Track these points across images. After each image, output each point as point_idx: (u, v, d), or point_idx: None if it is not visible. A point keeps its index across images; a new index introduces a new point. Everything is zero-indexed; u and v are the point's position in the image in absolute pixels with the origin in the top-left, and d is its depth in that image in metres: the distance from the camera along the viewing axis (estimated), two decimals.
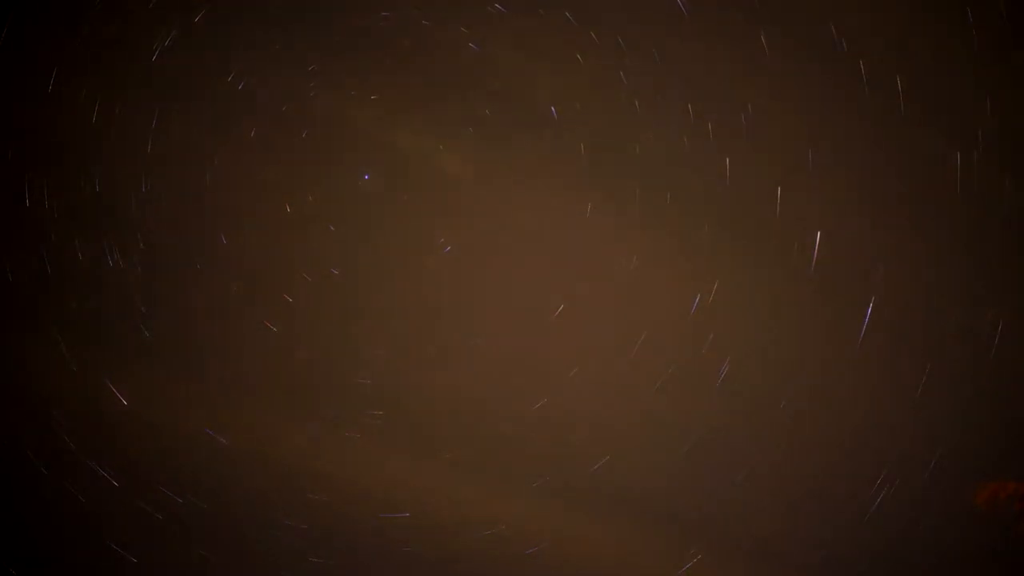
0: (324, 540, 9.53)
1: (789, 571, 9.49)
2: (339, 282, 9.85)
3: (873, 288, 9.50)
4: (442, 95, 9.77)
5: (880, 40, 9.30)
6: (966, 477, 8.89)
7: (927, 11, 9.26)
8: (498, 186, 9.81)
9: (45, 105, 9.41)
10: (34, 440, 9.33)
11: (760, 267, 9.64)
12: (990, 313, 9.34)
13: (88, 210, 9.53)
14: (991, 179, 9.36)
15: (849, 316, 9.55)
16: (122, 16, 9.45)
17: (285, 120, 9.75)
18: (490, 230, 9.87)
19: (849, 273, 9.62)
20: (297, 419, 9.71)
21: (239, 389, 9.63)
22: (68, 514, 9.29)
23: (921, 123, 9.39)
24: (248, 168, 9.76)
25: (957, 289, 9.48)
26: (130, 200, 9.55)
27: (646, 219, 9.70)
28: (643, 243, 9.70)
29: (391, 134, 9.85)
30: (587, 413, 9.70)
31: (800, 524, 9.50)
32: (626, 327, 9.71)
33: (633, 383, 9.64)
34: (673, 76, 9.40)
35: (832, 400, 9.62)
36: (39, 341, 9.39)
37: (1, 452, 9.25)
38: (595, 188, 9.71)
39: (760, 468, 9.60)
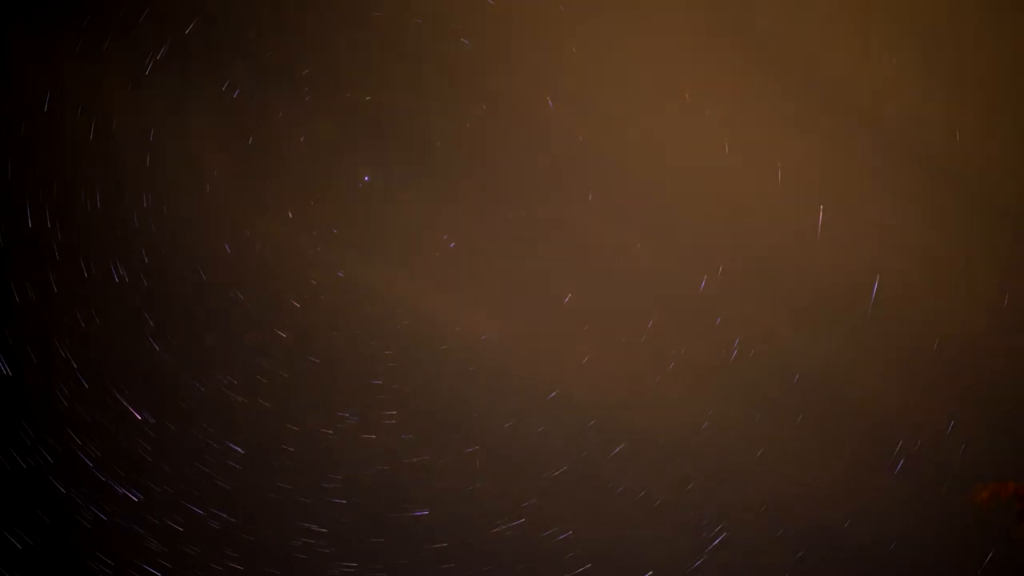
0: (344, 542, 9.56)
1: (800, 553, 9.56)
2: (346, 284, 9.88)
3: (878, 263, 9.55)
4: (437, 92, 9.77)
5: (875, 11, 9.33)
6: (966, 477, 8.96)
7: None
8: (498, 179, 9.84)
9: (42, 125, 9.40)
10: (50, 459, 9.33)
11: (764, 246, 9.66)
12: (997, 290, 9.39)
13: (91, 227, 9.52)
14: (992, 147, 9.40)
15: (856, 292, 9.59)
16: (113, 32, 9.43)
17: (282, 126, 9.76)
18: (492, 224, 9.89)
19: (854, 247, 9.65)
20: (311, 424, 9.72)
21: (252, 396, 9.64)
22: (90, 531, 9.29)
23: (919, 94, 9.41)
24: (248, 176, 9.77)
25: (963, 265, 9.50)
26: (132, 214, 9.56)
27: (648, 204, 9.73)
28: (646, 228, 9.73)
29: (388, 134, 9.86)
30: (600, 400, 9.73)
31: (806, 507, 9.56)
32: (634, 313, 9.75)
33: (644, 368, 9.68)
34: (669, 62, 9.41)
35: (840, 382, 9.65)
36: (48, 359, 9.37)
37: (17, 472, 9.25)
38: (595, 176, 9.75)
39: (776, 446, 9.66)
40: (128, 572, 9.23)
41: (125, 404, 9.43)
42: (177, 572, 9.27)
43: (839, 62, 9.44)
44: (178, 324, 9.64)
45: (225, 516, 9.42)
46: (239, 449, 9.52)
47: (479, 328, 9.85)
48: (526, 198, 9.83)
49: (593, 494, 9.64)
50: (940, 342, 9.45)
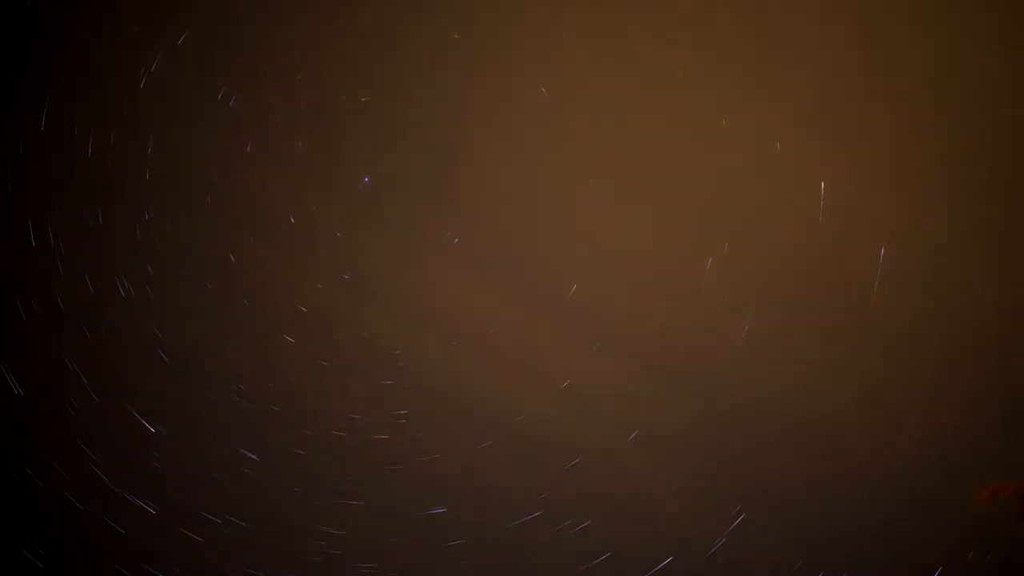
0: (364, 543, 9.52)
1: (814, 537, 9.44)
2: (351, 286, 9.86)
3: (882, 238, 9.43)
4: (432, 89, 9.75)
5: None
6: (966, 476, 8.81)
7: None
8: (498, 172, 9.80)
9: (40, 143, 9.46)
10: (65, 476, 9.37)
11: (768, 224, 9.56)
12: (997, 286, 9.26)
13: (94, 242, 9.57)
14: (995, 119, 9.28)
15: (861, 268, 9.48)
16: (106, 46, 9.48)
17: (279, 131, 9.77)
18: (495, 217, 9.85)
19: (857, 223, 9.53)
20: (323, 427, 9.71)
21: (264, 403, 9.64)
22: (108, 546, 9.31)
23: (919, 67, 9.30)
24: (248, 183, 9.77)
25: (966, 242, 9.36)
26: (135, 228, 9.59)
27: (648, 189, 9.67)
28: (648, 213, 9.67)
29: (385, 134, 9.85)
30: (612, 388, 9.66)
31: (815, 494, 9.46)
32: (641, 299, 9.68)
33: (655, 353, 9.62)
34: (663, 40, 9.35)
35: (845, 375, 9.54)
36: (59, 376, 9.44)
37: (33, 490, 9.29)
38: (594, 163, 9.69)
39: (786, 431, 9.55)
40: None
41: (137, 416, 9.48)
42: None
43: (839, 35, 9.39)
44: (186, 334, 9.66)
45: (241, 523, 9.43)
46: (252, 456, 9.54)
47: (487, 323, 9.82)
48: (526, 190, 9.78)
49: (609, 482, 9.58)
50: (941, 334, 9.34)
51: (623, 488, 9.55)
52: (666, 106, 9.44)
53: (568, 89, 9.57)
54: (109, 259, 9.56)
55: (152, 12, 9.45)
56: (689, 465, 9.47)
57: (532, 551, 9.48)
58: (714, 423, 9.49)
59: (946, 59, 9.22)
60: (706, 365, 9.54)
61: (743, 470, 9.44)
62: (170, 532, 9.38)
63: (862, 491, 9.29)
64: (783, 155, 9.40)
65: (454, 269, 9.85)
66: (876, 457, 9.32)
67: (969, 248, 9.32)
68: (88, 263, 9.51)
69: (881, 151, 9.36)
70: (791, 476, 9.40)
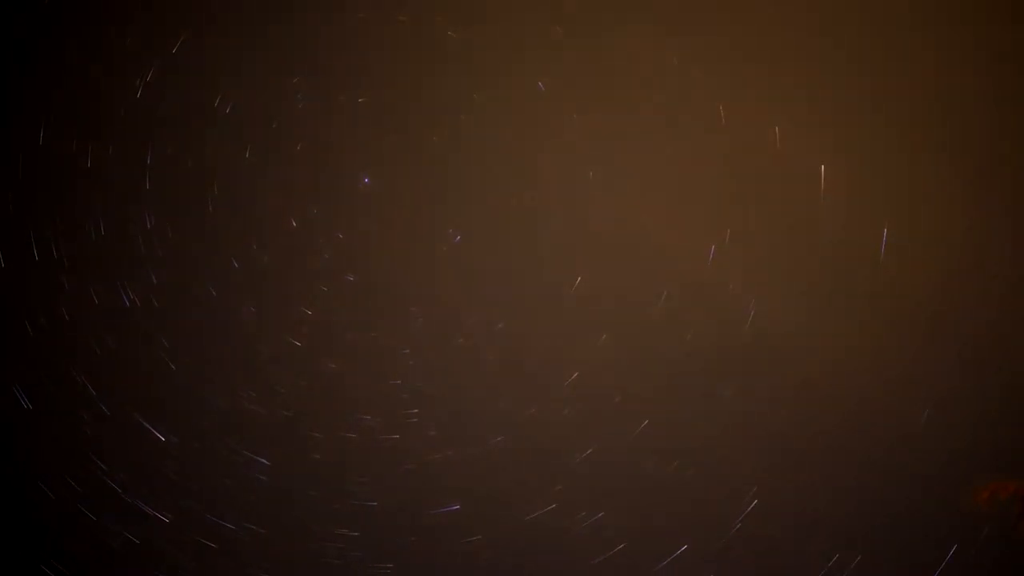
0: (378, 544, 9.54)
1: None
2: (356, 288, 9.86)
3: (884, 220, 9.44)
4: (429, 87, 9.75)
5: None
6: (966, 476, 8.82)
7: None
8: (497, 168, 9.80)
9: (39, 158, 9.44)
10: (77, 488, 9.38)
11: (768, 209, 9.58)
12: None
13: (97, 254, 9.55)
14: (998, 100, 9.30)
15: (864, 251, 9.49)
16: (100, 58, 9.47)
17: (277, 136, 9.75)
18: (496, 213, 9.84)
19: (858, 206, 9.54)
20: (335, 429, 9.71)
21: (273, 407, 9.64)
22: (123, 556, 9.31)
23: (918, 51, 9.32)
24: (249, 189, 9.77)
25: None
26: (137, 238, 9.59)
27: (648, 178, 9.67)
28: (649, 203, 9.65)
29: (384, 133, 9.84)
30: (620, 380, 9.67)
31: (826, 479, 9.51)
32: (646, 288, 9.68)
33: (661, 342, 9.61)
34: (660, 30, 9.35)
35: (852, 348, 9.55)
36: (67, 389, 9.43)
37: (46, 503, 9.29)
38: (593, 155, 9.69)
39: (798, 413, 9.56)
40: None
41: (147, 426, 9.48)
42: None
43: (837, 22, 9.40)
44: (192, 342, 9.68)
45: (256, 528, 9.44)
46: (264, 461, 9.54)
47: (493, 319, 9.82)
48: (527, 184, 9.79)
49: (621, 473, 9.59)
50: (944, 327, 9.36)
51: (635, 479, 9.57)
52: (664, 96, 9.45)
53: (566, 83, 9.58)
54: (112, 270, 9.57)
55: (146, 22, 9.44)
56: (700, 453, 9.49)
57: (547, 544, 9.50)
58: (723, 411, 9.51)
59: (945, 49, 9.24)
60: (713, 353, 9.55)
61: (754, 456, 9.46)
62: (185, 540, 9.40)
63: (870, 478, 9.31)
64: (782, 141, 9.39)
65: (458, 266, 9.86)
66: (883, 443, 9.35)
67: (971, 234, 9.35)
68: (92, 274, 9.52)
69: (880, 134, 9.37)
70: (801, 462, 9.41)
